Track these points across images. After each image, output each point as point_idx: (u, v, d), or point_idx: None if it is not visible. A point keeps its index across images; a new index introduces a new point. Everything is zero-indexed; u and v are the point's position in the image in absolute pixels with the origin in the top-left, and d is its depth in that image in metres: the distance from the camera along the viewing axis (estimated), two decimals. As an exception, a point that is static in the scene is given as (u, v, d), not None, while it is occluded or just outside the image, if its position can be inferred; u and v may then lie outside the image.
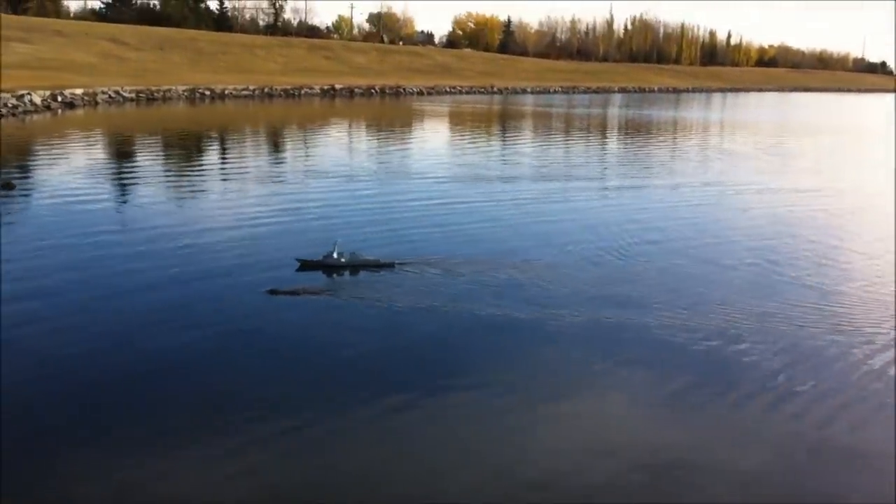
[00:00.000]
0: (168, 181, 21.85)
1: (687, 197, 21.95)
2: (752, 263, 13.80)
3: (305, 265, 11.84)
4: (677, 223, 17.87)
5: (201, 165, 25.85)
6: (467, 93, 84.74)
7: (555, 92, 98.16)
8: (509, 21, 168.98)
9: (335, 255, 11.73)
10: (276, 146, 33.19)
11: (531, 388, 8.26)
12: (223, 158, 28.10)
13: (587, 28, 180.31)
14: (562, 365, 8.87)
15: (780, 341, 9.68)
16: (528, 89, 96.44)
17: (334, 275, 11.68)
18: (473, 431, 7.32)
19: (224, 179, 22.85)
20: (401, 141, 37.38)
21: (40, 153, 26.03)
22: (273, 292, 10.78)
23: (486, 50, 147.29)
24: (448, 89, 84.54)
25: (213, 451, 6.86)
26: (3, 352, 8.61)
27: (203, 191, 20.51)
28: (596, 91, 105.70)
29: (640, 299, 11.26)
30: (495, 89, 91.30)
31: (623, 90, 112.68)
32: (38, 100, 40.55)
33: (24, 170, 22.15)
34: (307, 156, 29.95)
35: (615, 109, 71.68)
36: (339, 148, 33.19)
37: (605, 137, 43.47)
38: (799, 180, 26.18)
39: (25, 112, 38.00)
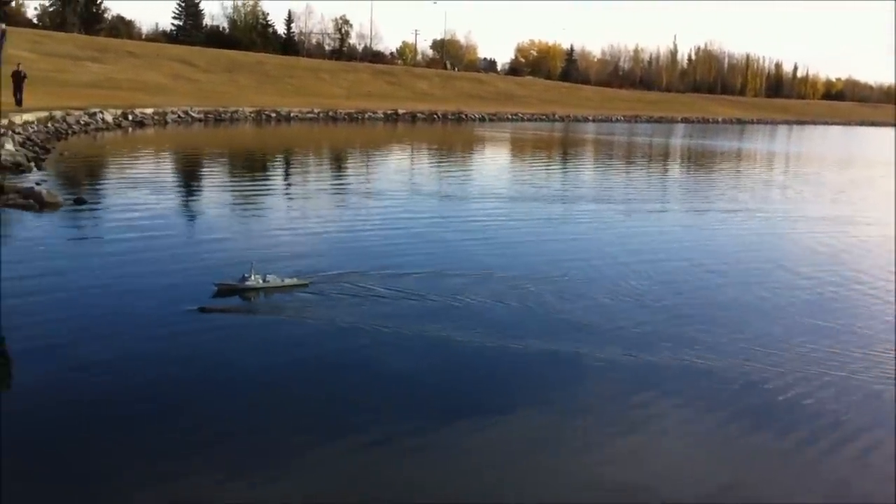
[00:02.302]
0: (231, 199, 22.16)
1: (745, 226, 21.58)
2: (806, 300, 13.43)
3: (223, 290, 11.26)
4: (732, 251, 17.59)
5: (263, 184, 26.24)
6: (528, 120, 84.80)
7: (617, 121, 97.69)
8: (572, 49, 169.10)
9: (252, 278, 11.28)
10: (338, 167, 33.59)
11: (571, 420, 8.07)
12: (286, 178, 28.57)
13: (650, 57, 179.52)
14: (601, 399, 8.62)
15: (826, 382, 9.35)
16: (590, 117, 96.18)
17: (251, 297, 11.27)
18: (503, 463, 7.20)
19: (286, 197, 23.22)
20: (461, 165, 37.55)
21: (110, 169, 26.74)
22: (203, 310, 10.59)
23: (548, 77, 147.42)
24: (509, 116, 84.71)
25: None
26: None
27: (259, 209, 20.79)
28: (658, 121, 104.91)
29: (683, 328, 11.08)
30: (557, 117, 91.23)
31: (686, 120, 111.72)
32: (109, 118, 41.66)
33: (94, 185, 22.67)
34: (367, 177, 30.29)
35: (677, 139, 71.08)
36: (399, 169, 33.50)
37: (666, 166, 43.12)
38: (860, 212, 25.67)
39: (97, 129, 39.03)
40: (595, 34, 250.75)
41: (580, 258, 15.54)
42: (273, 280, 11.59)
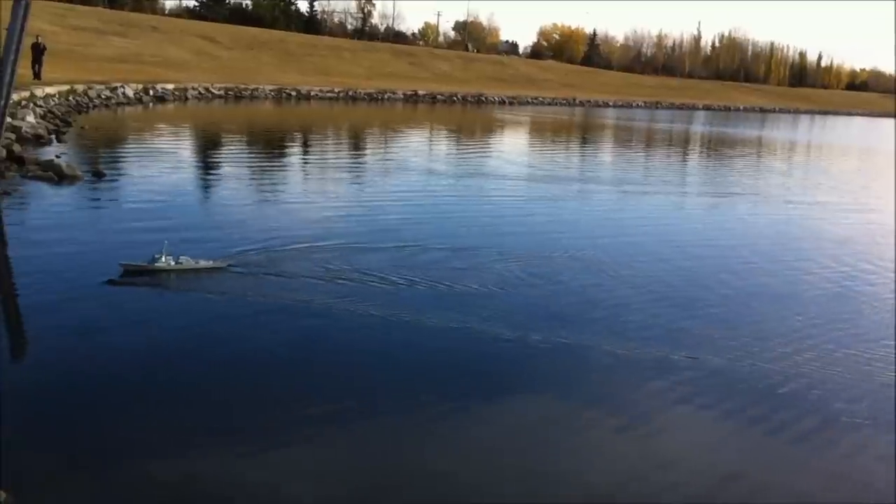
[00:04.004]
0: (248, 175, 22.32)
1: (764, 215, 21.62)
2: (831, 292, 13.44)
3: (129, 271, 10.74)
4: (747, 241, 17.61)
5: (280, 161, 26.43)
6: (549, 104, 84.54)
7: (638, 106, 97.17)
8: (595, 34, 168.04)
9: (163, 260, 10.76)
10: (356, 146, 33.73)
11: (590, 409, 8.12)
12: (303, 155, 28.75)
13: (673, 43, 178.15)
14: (603, 391, 8.63)
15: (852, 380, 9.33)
16: (611, 103, 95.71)
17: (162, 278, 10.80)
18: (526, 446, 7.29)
19: (303, 175, 23.40)
20: (480, 145, 37.63)
21: (129, 144, 26.98)
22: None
23: (570, 62, 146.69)
24: (530, 100, 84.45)
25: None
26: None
27: (276, 185, 20.96)
28: (679, 107, 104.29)
29: (698, 320, 11.14)
30: (577, 101, 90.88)
31: (708, 107, 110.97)
32: (130, 92, 41.89)
33: (113, 159, 22.87)
34: (385, 155, 30.47)
35: (698, 126, 70.72)
36: (417, 149, 33.63)
37: (686, 152, 43.02)
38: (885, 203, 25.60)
39: (118, 104, 39.27)
40: (618, 19, 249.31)
41: (595, 242, 15.62)
42: (186, 262, 11.03)
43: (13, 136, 20.92)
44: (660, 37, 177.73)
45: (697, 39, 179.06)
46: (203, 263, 11.11)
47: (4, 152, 18.18)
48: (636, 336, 10.06)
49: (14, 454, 6.19)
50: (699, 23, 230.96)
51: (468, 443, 7.13)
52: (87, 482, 5.99)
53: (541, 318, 10.57)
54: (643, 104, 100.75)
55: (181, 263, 10.86)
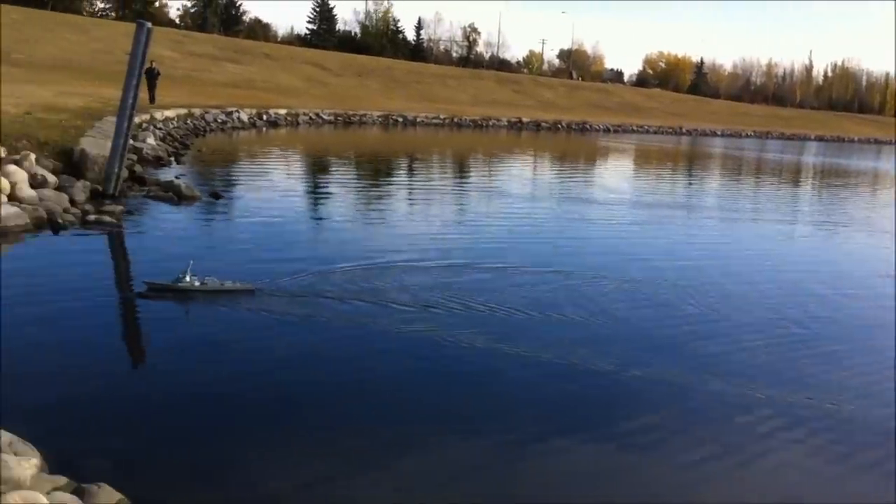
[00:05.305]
0: (355, 198, 22.65)
1: (885, 248, 20.77)
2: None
3: (154, 289, 10.62)
4: (867, 276, 16.94)
5: (386, 185, 26.75)
6: (654, 132, 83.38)
7: (746, 136, 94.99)
8: (702, 62, 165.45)
9: (187, 279, 10.54)
10: (460, 170, 33.93)
11: (695, 449, 7.71)
12: (408, 179, 29.06)
13: (784, 72, 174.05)
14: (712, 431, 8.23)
15: None
16: (719, 132, 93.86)
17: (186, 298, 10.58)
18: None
19: (407, 198, 23.58)
20: (582, 172, 37.36)
21: (245, 167, 27.77)
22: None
23: (676, 90, 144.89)
24: (634, 128, 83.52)
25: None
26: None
27: (378, 208, 21.16)
28: (790, 138, 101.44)
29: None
30: (683, 130, 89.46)
31: (820, 138, 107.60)
32: (245, 117, 43.23)
33: (229, 181, 23.54)
34: (487, 180, 30.61)
35: (810, 157, 68.64)
36: (519, 174, 33.67)
37: (797, 182, 41.81)
38: None
39: (233, 128, 40.55)
40: (726, 47, 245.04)
41: (700, 271, 15.17)
42: (211, 282, 10.78)
43: (135, 158, 21.75)
44: (769, 65, 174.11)
45: (809, 69, 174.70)
46: (228, 285, 10.92)
47: (127, 173, 18.88)
48: (744, 373, 9.56)
49: (139, 463, 6.33)
50: (811, 52, 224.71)
51: (565, 476, 6.90)
52: (205, 496, 6.09)
53: (641, 349, 10.19)
54: (752, 134, 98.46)
55: (206, 284, 10.72)
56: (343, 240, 16.02)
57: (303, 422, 7.56)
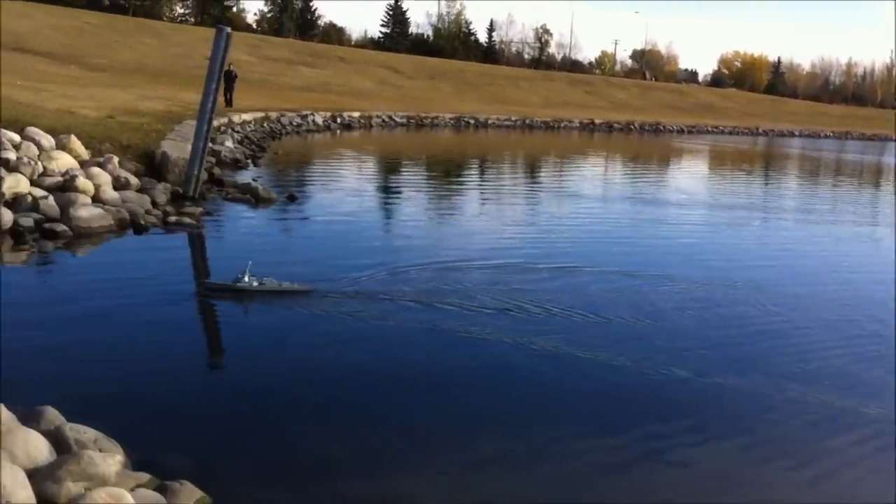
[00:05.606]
0: (427, 200, 22.74)
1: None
2: None
3: (212, 289, 10.75)
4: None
5: (457, 186, 26.79)
6: (729, 133, 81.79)
7: (825, 136, 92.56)
8: (779, 61, 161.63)
9: (246, 280, 10.59)
10: (531, 172, 33.84)
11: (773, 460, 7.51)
12: (480, 180, 29.12)
13: (864, 72, 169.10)
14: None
15: None
16: (796, 132, 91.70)
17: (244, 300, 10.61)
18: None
19: (478, 199, 23.57)
20: (655, 173, 36.89)
21: (320, 169, 28.13)
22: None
23: (752, 90, 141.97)
24: (709, 128, 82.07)
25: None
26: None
27: (449, 209, 21.22)
28: (871, 138, 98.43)
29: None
30: (760, 131, 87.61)
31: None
32: (319, 120, 43.82)
33: (304, 183, 23.88)
34: (559, 181, 30.48)
35: (891, 158, 66.57)
36: (591, 176, 33.48)
37: (877, 185, 40.61)
38: None
39: (308, 130, 41.12)
40: (804, 47, 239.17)
41: (780, 274, 14.79)
42: (270, 283, 10.83)
43: (213, 160, 22.20)
44: (849, 65, 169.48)
45: (890, 68, 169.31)
46: (286, 286, 10.97)
47: (206, 175, 19.27)
48: (825, 383, 9.19)
49: (217, 461, 6.43)
50: (892, 50, 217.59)
51: (633, 488, 6.73)
52: (283, 495, 6.16)
53: (713, 357, 9.87)
54: (831, 134, 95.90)
55: (264, 284, 10.78)
56: (411, 241, 16.06)
57: (373, 420, 7.59)
